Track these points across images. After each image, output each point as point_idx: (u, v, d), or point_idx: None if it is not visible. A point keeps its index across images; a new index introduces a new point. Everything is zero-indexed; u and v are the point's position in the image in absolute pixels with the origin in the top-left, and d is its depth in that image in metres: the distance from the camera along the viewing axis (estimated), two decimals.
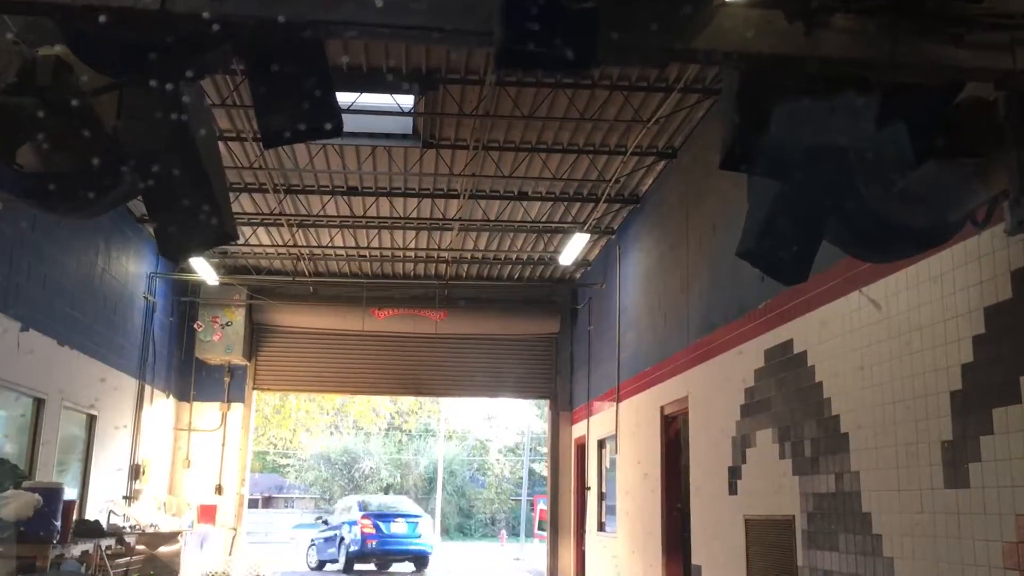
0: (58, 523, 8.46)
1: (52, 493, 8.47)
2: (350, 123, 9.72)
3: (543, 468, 40.31)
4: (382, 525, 19.47)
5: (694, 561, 9.17)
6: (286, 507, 48.09)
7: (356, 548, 19.22)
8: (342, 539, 19.70)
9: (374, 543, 19.26)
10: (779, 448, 7.10)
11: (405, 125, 9.96)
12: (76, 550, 9.14)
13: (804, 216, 3.86)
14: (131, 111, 3.60)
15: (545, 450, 37.98)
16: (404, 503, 22.26)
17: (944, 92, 3.59)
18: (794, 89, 3.28)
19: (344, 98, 8.97)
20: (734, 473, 8.10)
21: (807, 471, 6.60)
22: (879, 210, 3.93)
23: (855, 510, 5.88)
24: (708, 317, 9.03)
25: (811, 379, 6.60)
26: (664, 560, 10.15)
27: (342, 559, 19.74)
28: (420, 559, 20.10)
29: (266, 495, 48.47)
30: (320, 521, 22.30)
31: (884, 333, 5.65)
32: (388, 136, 10.03)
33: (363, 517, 19.48)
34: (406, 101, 9.29)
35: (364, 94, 8.98)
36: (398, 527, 19.64)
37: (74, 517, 9.98)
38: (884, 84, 3.40)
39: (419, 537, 19.86)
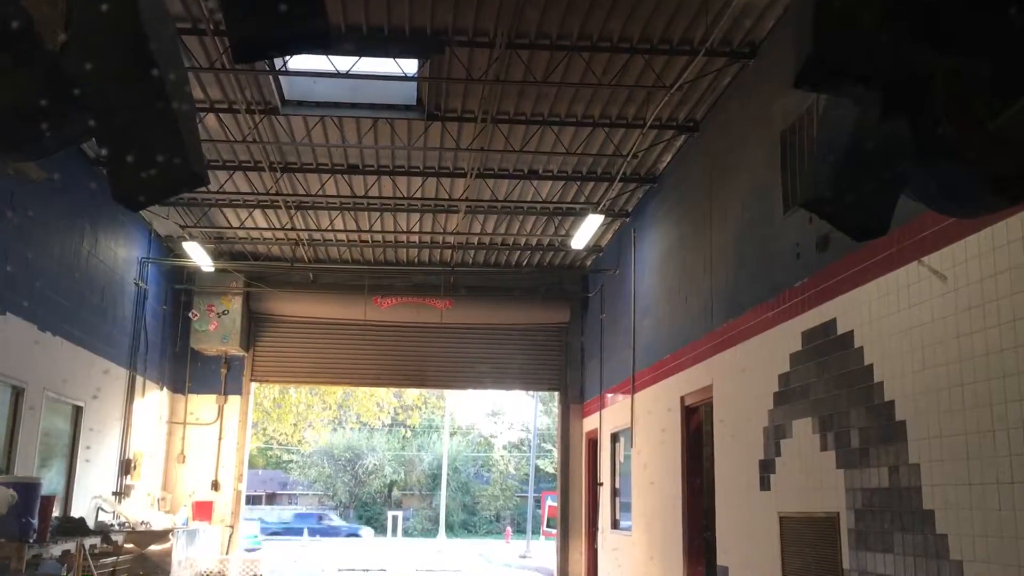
0: (35, 520, 7.91)
1: (29, 488, 7.96)
2: (349, 91, 9.16)
3: (549, 465, 39.85)
4: None
5: (720, 562, 8.54)
6: (290, 503, 48.04)
7: None
8: None
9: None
10: (820, 439, 6.46)
11: (408, 95, 9.31)
12: (56, 549, 8.58)
13: (889, 155, 3.22)
14: (79, 27, 3.00)
15: (551, 447, 37.45)
16: None
17: None
18: None
19: (343, 63, 8.33)
20: (766, 467, 7.46)
21: (855, 464, 5.96)
22: (968, 152, 3.30)
23: (914, 507, 5.24)
24: (735, 299, 8.39)
25: (859, 362, 5.96)
26: (686, 560, 9.52)
27: None
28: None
29: (269, 492, 48.13)
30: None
31: (950, 307, 5.00)
32: (391, 107, 9.38)
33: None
34: (410, 66, 8.64)
35: (364, 58, 8.31)
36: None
37: (56, 514, 9.42)
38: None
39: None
